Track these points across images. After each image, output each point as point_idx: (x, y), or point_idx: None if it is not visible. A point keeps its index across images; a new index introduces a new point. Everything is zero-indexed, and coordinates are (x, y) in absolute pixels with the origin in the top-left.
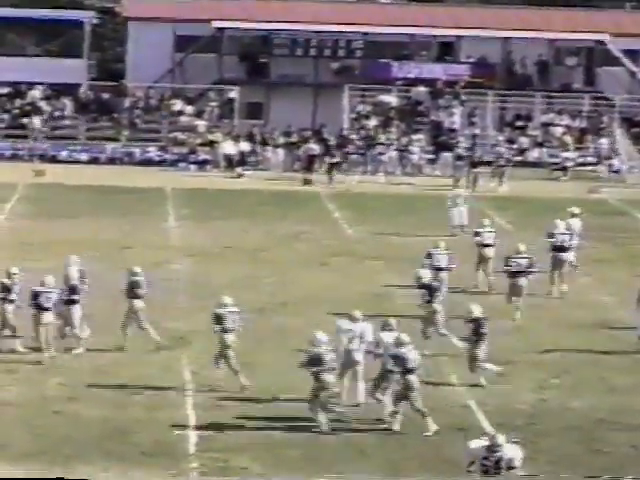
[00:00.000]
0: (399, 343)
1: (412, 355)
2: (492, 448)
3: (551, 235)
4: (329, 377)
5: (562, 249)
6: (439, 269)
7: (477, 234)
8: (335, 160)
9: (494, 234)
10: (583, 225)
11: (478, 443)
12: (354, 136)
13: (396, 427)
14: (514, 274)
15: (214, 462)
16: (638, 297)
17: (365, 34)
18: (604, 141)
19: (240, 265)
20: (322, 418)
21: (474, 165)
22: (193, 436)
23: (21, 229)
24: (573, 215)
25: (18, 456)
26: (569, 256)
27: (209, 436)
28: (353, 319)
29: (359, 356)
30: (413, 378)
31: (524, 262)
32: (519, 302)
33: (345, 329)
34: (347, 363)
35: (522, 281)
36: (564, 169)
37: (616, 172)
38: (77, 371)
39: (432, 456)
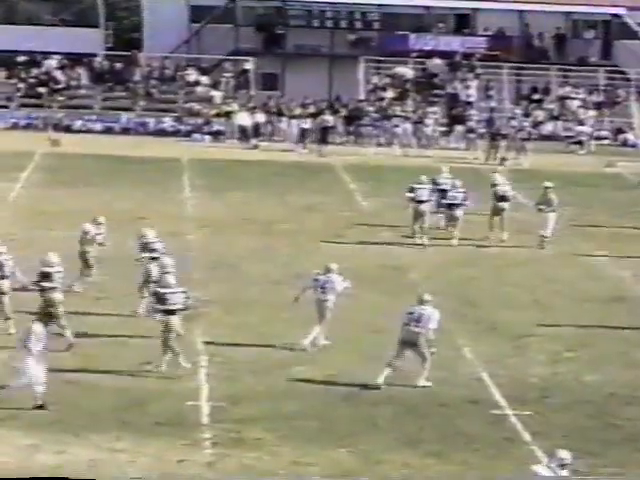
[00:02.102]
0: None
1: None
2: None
3: (494, 185)
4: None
5: (503, 199)
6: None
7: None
8: (327, 125)
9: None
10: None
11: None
12: (369, 108)
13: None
14: (450, 206)
15: (227, 433)
16: None
17: (381, 6)
18: None
19: (255, 236)
20: None
21: (494, 138)
22: (206, 407)
23: (37, 198)
24: (547, 188)
25: (31, 425)
26: (506, 205)
27: (222, 407)
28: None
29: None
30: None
31: (460, 195)
32: (455, 231)
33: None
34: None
35: (458, 212)
36: (580, 143)
37: (633, 146)
38: (92, 342)
39: (446, 428)
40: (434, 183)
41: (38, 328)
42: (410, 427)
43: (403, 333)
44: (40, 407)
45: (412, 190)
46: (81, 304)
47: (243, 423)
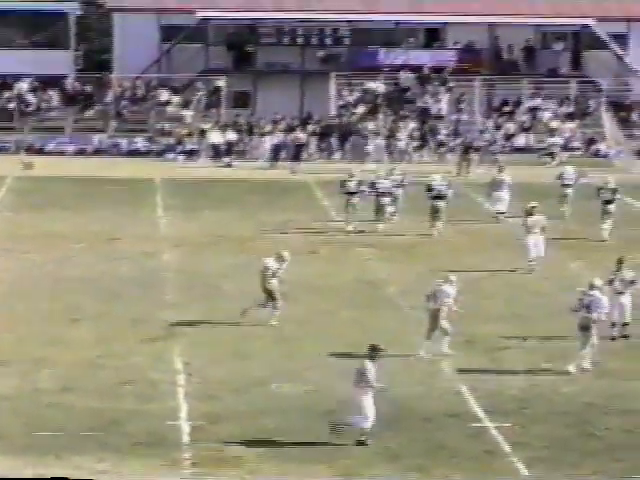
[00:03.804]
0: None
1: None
2: None
3: (430, 187)
4: None
5: (439, 197)
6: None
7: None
8: (299, 142)
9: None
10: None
11: None
12: (341, 123)
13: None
14: (435, 198)
15: (207, 452)
16: (608, 280)
17: (351, 22)
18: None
19: (229, 255)
20: None
21: (465, 151)
22: (185, 426)
23: (10, 221)
24: (533, 208)
25: (12, 448)
26: (443, 204)
27: (201, 426)
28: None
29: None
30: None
31: (443, 188)
32: (440, 220)
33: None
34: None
35: (441, 204)
36: (552, 154)
37: (604, 157)
38: (69, 363)
39: (426, 442)
40: (429, 189)
41: (369, 365)
42: (390, 442)
43: (578, 319)
44: (361, 443)
45: (343, 184)
46: (56, 325)
47: (223, 442)
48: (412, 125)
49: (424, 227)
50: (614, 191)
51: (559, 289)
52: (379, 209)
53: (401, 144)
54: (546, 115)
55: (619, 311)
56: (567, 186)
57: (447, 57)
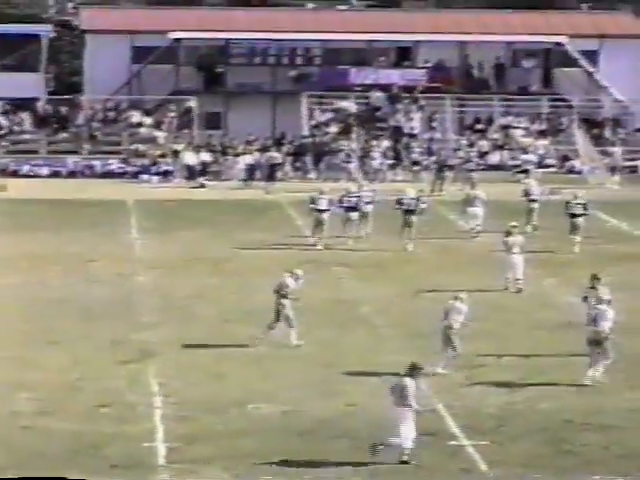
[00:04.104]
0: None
1: None
2: None
3: (400, 201)
4: None
5: (410, 211)
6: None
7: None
8: (274, 162)
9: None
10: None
11: None
12: (314, 142)
13: None
14: (406, 212)
15: (184, 474)
16: (583, 296)
17: (323, 41)
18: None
19: (204, 276)
20: None
21: (440, 169)
22: (162, 448)
23: None
24: (513, 228)
25: None
26: (415, 218)
27: (178, 448)
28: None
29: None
30: None
31: (413, 202)
32: (411, 234)
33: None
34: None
35: (412, 218)
36: (526, 171)
37: (578, 173)
38: (46, 386)
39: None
40: (398, 203)
41: (410, 384)
42: (367, 460)
43: (587, 334)
44: (404, 463)
45: (313, 201)
46: (32, 347)
47: (200, 463)
48: (385, 144)
49: (399, 246)
50: (583, 205)
51: (533, 306)
52: (346, 224)
53: (375, 163)
54: (519, 132)
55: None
56: (533, 201)
57: (417, 76)
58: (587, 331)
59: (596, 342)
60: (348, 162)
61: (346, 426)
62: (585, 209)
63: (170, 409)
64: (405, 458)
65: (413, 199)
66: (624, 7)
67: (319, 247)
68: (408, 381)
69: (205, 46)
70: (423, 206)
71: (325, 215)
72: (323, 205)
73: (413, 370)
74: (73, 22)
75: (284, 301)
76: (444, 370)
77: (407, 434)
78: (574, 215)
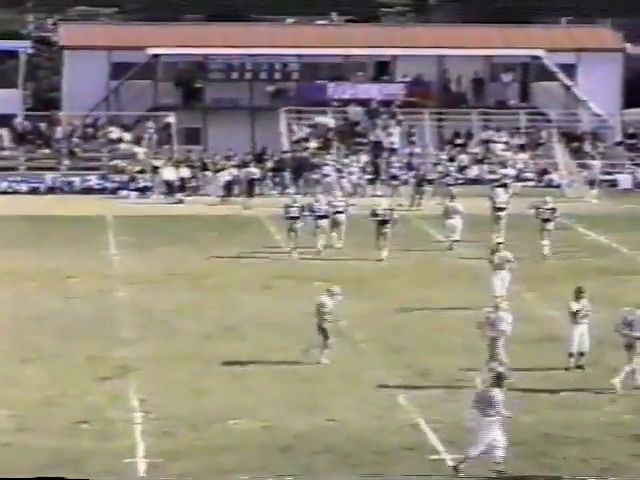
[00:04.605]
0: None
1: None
2: None
3: (374, 212)
4: None
5: (384, 222)
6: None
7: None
8: (252, 177)
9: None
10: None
11: None
12: (292, 158)
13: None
14: (380, 222)
15: None
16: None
17: (301, 56)
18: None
19: (184, 291)
20: None
21: (419, 184)
22: (143, 464)
23: None
24: (498, 245)
25: None
26: (389, 228)
27: (159, 464)
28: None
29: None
30: None
31: (387, 213)
32: (386, 244)
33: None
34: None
35: (387, 229)
36: (504, 185)
37: (557, 187)
38: (25, 403)
39: (384, 476)
40: (373, 214)
41: (498, 394)
42: (348, 476)
43: (623, 339)
44: (500, 472)
45: (286, 209)
46: (11, 364)
47: (181, 479)
48: (364, 159)
49: (377, 259)
50: (552, 210)
51: (514, 320)
52: (316, 232)
53: (354, 178)
54: (498, 146)
55: (579, 341)
56: (500, 209)
57: (396, 90)
58: (622, 336)
59: (630, 347)
60: (327, 177)
61: (327, 441)
62: (554, 214)
63: (151, 425)
64: (500, 468)
65: (387, 210)
66: (602, 21)
67: (294, 255)
68: (496, 391)
69: (183, 62)
70: (396, 216)
71: (298, 223)
72: (295, 213)
73: (499, 380)
74: (52, 38)
75: (325, 318)
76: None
77: (498, 443)
78: (544, 220)
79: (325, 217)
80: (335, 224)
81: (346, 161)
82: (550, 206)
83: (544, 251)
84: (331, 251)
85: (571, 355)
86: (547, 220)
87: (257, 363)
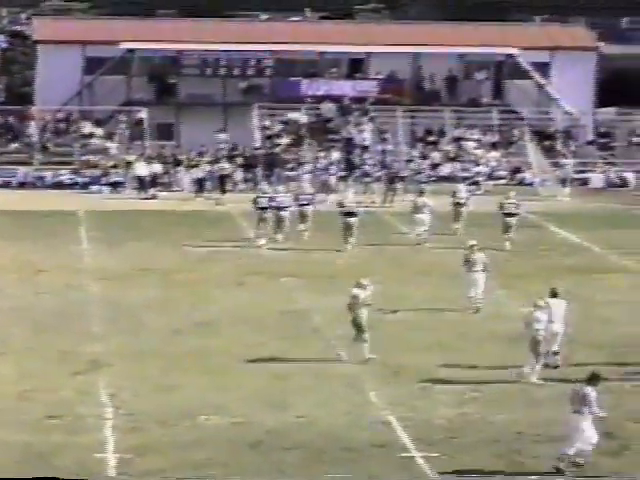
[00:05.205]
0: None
1: None
2: None
3: (341, 204)
4: None
5: (351, 214)
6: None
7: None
8: (226, 173)
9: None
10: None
11: None
12: (264, 154)
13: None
14: (346, 214)
15: None
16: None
17: (274, 52)
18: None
19: (155, 287)
20: None
21: (391, 181)
22: (112, 459)
23: None
24: (472, 247)
25: None
26: (356, 220)
27: (129, 459)
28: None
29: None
30: None
31: (354, 205)
32: (352, 236)
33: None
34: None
35: (353, 220)
36: (476, 183)
37: (529, 185)
38: None
39: (354, 473)
40: (340, 206)
41: (591, 392)
42: (318, 472)
43: None
44: (577, 464)
45: (256, 200)
46: None
47: (150, 474)
48: (336, 155)
49: (350, 256)
50: (515, 205)
51: (486, 318)
52: (278, 222)
53: (325, 174)
54: (471, 144)
55: (552, 340)
56: (460, 205)
57: (369, 87)
58: None
59: None
60: (299, 173)
61: (297, 438)
62: (517, 208)
63: (120, 420)
64: (581, 461)
65: (353, 203)
66: (576, 20)
67: (261, 242)
68: (589, 389)
69: (157, 57)
70: (362, 209)
71: (268, 213)
72: (265, 204)
73: (593, 378)
74: (25, 32)
75: (360, 312)
76: (537, 380)
77: (590, 439)
78: (507, 215)
79: (287, 208)
80: (302, 217)
81: (318, 157)
82: (513, 201)
83: (506, 246)
84: (302, 245)
85: (547, 353)
86: (510, 215)
87: (228, 359)
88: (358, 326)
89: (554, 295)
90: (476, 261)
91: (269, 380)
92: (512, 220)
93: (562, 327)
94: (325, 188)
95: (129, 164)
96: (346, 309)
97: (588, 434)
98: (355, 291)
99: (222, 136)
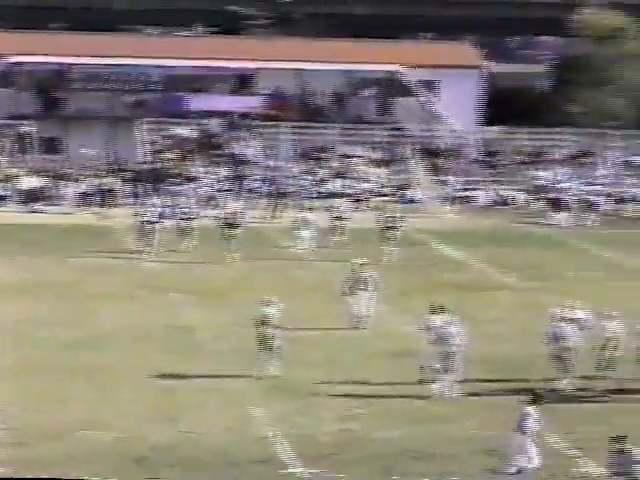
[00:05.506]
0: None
1: None
2: None
3: (222, 217)
4: None
5: (231, 225)
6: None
7: None
8: (110, 188)
9: None
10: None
11: None
12: (150, 169)
13: None
14: (227, 225)
15: None
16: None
17: (162, 67)
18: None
19: (41, 301)
20: None
21: (277, 196)
22: None
23: None
24: (361, 265)
25: None
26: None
27: (13, 474)
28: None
29: None
30: None
31: (236, 217)
32: (232, 246)
33: None
34: None
35: (235, 232)
36: (361, 200)
37: (414, 202)
38: None
39: None
40: (222, 219)
41: (533, 412)
42: None
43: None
44: None
45: (140, 214)
46: None
47: None
48: (222, 171)
49: (235, 270)
50: (395, 219)
51: (369, 334)
52: (163, 236)
53: (211, 190)
54: (358, 161)
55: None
56: (340, 219)
57: (256, 103)
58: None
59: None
60: (184, 187)
61: (182, 453)
62: (397, 222)
63: (4, 434)
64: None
65: (233, 213)
66: (462, 38)
67: (145, 255)
68: (531, 409)
69: (44, 70)
70: (241, 220)
71: (149, 227)
72: (149, 217)
73: (536, 398)
74: None
75: (269, 330)
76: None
77: (533, 457)
78: (387, 228)
79: (165, 221)
80: (186, 231)
81: (204, 173)
82: (394, 214)
83: (385, 258)
84: (187, 259)
85: (423, 369)
86: (390, 228)
87: (116, 374)
88: (265, 344)
89: (437, 311)
90: (363, 280)
91: (156, 395)
92: (392, 234)
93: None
94: (210, 203)
95: (14, 178)
96: (255, 326)
97: (530, 454)
98: (264, 309)
99: (89, 151)
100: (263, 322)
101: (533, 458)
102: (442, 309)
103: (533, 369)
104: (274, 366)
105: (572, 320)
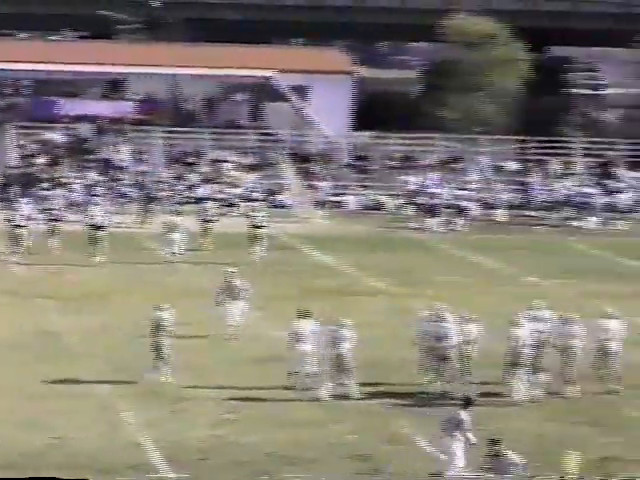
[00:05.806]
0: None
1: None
2: None
3: (88, 219)
4: None
5: (98, 227)
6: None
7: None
8: None
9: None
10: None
11: None
12: (20, 174)
13: None
14: (92, 227)
15: None
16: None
17: (32, 71)
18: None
19: None
20: None
21: (147, 201)
22: None
23: None
24: (232, 274)
25: None
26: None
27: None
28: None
29: None
30: None
31: (99, 219)
32: (99, 248)
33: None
34: None
35: (101, 233)
36: (232, 205)
37: (284, 207)
38: None
39: None
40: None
41: (466, 417)
42: None
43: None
44: None
45: (9, 218)
46: None
47: None
48: (93, 176)
49: (107, 275)
50: (263, 218)
51: (240, 341)
52: (31, 240)
53: (81, 195)
54: (228, 166)
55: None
56: (258, 227)
57: (126, 108)
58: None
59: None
60: (54, 192)
61: (51, 460)
62: (263, 221)
63: None
64: None
65: (99, 216)
66: (334, 43)
67: (14, 259)
68: (464, 414)
69: None
70: (108, 222)
71: (18, 231)
72: (18, 222)
73: (467, 402)
74: None
75: (161, 336)
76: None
77: (457, 462)
78: (255, 227)
79: (35, 226)
80: (53, 233)
81: (74, 177)
82: (261, 214)
83: (254, 258)
84: (54, 262)
85: (291, 374)
86: (258, 227)
87: None
88: (158, 350)
89: (304, 316)
90: (235, 288)
91: (22, 401)
92: (260, 233)
93: (315, 347)
94: (80, 208)
95: None
96: (148, 332)
97: (456, 457)
98: (156, 314)
99: None
100: (155, 328)
101: (460, 461)
102: (308, 314)
103: (404, 373)
104: (164, 373)
105: (441, 322)
